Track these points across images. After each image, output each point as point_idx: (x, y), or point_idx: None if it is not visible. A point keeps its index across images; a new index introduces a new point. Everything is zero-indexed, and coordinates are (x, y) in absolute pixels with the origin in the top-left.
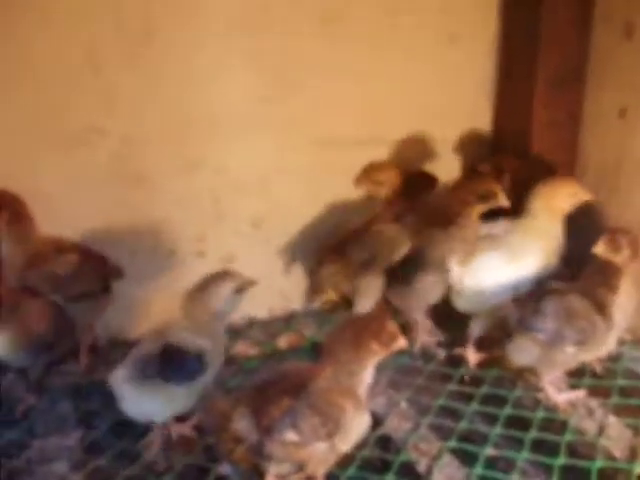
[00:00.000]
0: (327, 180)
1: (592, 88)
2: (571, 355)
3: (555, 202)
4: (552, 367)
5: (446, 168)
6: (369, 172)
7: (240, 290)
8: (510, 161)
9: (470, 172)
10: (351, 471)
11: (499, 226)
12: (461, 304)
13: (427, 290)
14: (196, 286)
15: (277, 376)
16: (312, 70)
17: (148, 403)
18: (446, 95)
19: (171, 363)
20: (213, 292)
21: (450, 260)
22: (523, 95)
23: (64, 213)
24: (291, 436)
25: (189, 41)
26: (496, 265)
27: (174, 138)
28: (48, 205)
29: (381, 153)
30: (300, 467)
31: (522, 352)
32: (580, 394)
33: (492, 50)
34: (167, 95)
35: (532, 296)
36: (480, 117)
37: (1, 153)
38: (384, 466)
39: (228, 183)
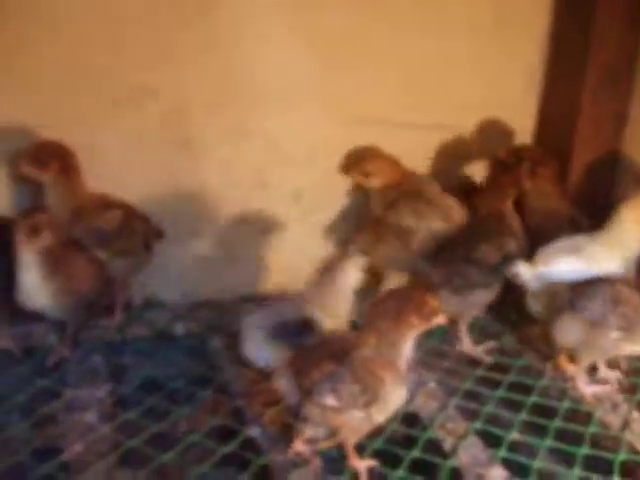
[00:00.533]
0: None
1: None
2: (613, 342)
3: None
4: (593, 352)
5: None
6: (358, 162)
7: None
8: (529, 150)
9: (493, 163)
10: (378, 444)
11: (580, 238)
12: (535, 307)
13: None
14: (325, 264)
15: (321, 341)
16: (362, 48)
17: (265, 354)
18: (491, 84)
19: (303, 335)
20: (343, 271)
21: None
22: (571, 90)
23: (112, 170)
24: (330, 400)
25: (244, 11)
26: (576, 270)
27: (225, 106)
28: (97, 161)
29: (425, 137)
30: (333, 433)
31: (567, 331)
32: (608, 388)
33: (542, 42)
34: (221, 63)
35: (586, 281)
36: (525, 109)
37: (58, 107)
38: (410, 442)
39: (273, 154)
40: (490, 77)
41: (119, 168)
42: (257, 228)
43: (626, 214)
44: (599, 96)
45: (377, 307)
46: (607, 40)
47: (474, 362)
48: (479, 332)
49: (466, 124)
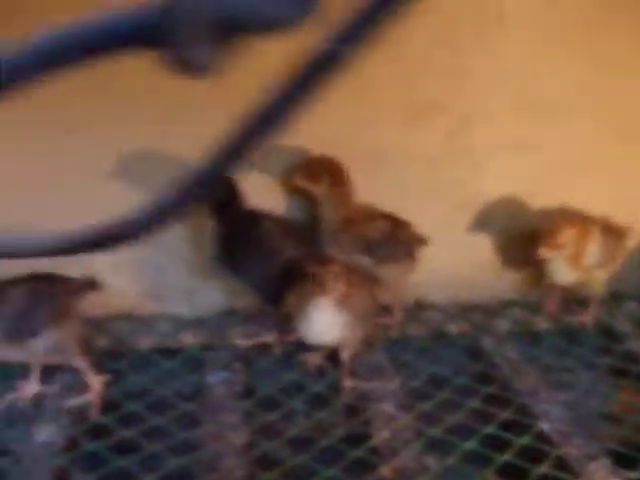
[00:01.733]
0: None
1: None
2: None
3: None
4: None
5: None
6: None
7: None
8: None
9: None
10: None
11: None
12: None
13: None
14: None
15: None
16: None
17: None
18: None
19: None
20: None
21: None
22: None
23: (393, 180)
24: None
25: (538, 28)
26: None
27: (507, 119)
28: (382, 173)
29: None
30: None
31: None
32: None
33: None
34: (511, 78)
35: None
36: None
37: (339, 119)
38: None
39: (544, 166)
40: None
41: (401, 178)
42: (522, 238)
43: None
44: None
45: None
46: None
47: None
48: None
49: None
